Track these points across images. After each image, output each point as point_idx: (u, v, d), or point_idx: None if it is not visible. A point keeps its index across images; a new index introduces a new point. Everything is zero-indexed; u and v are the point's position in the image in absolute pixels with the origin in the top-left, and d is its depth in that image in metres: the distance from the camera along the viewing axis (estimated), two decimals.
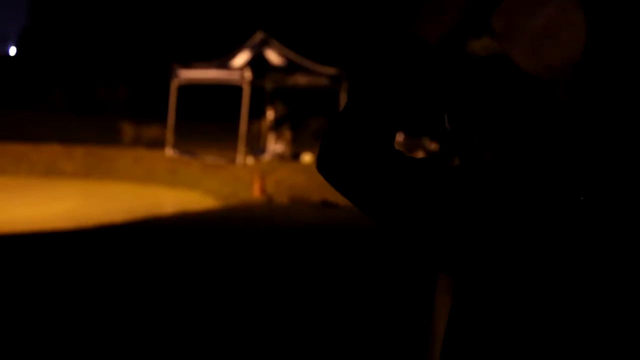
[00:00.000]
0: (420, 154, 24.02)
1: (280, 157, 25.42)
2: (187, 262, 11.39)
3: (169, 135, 25.89)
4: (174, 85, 26.14)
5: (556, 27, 1.71)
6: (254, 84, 24.59)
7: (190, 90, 29.99)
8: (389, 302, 9.66)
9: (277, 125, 26.17)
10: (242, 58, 25.12)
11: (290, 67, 25.54)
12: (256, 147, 26.49)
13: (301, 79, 25.74)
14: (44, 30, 47.75)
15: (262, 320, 8.64)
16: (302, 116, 33.14)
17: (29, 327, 8.08)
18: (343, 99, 25.78)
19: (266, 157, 25.49)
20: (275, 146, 25.82)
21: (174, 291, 9.71)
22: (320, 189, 19.96)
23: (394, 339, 8.20)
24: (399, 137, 24.00)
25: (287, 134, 26.09)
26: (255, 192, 19.26)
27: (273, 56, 25.43)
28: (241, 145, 24.09)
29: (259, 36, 25.74)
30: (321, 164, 1.72)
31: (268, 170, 21.91)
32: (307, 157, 25.69)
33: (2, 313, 8.58)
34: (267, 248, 12.71)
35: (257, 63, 24.88)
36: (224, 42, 33.02)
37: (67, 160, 24.82)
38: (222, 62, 25.58)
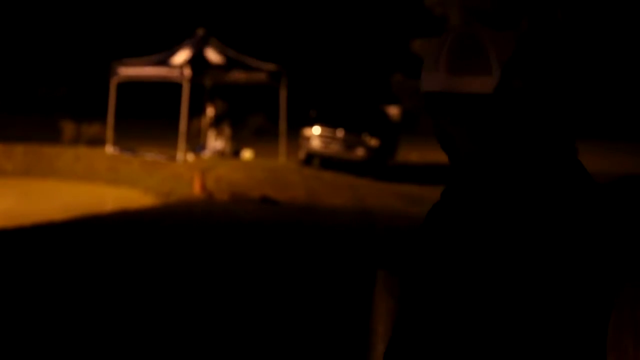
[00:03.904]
0: (361, 151, 24.22)
1: (220, 154, 25.56)
2: (126, 260, 11.51)
3: (109, 133, 25.86)
4: (113, 83, 26.12)
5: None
6: (193, 81, 24.67)
7: (130, 87, 29.95)
8: (326, 297, 9.89)
9: (217, 123, 26.28)
10: (182, 55, 25.17)
11: (229, 64, 25.65)
12: (196, 144, 26.58)
13: (240, 76, 25.86)
14: None
15: (199, 316, 8.81)
16: (242, 113, 33.28)
17: None
18: (283, 95, 25.93)
19: (206, 154, 25.60)
20: (215, 143, 25.96)
21: (114, 288, 9.84)
22: (260, 186, 20.15)
23: (331, 336, 8.42)
24: (340, 134, 24.15)
25: (227, 131, 26.23)
26: (195, 189, 19.38)
27: (213, 53, 25.53)
28: (181, 143, 24.17)
29: (198, 33, 25.80)
30: None
31: (208, 167, 22.04)
32: (247, 154, 25.85)
33: None
34: (207, 244, 12.88)
35: (197, 60, 24.96)
36: (163, 40, 33.00)
37: (6, 159, 24.69)
38: (162, 59, 25.59)
